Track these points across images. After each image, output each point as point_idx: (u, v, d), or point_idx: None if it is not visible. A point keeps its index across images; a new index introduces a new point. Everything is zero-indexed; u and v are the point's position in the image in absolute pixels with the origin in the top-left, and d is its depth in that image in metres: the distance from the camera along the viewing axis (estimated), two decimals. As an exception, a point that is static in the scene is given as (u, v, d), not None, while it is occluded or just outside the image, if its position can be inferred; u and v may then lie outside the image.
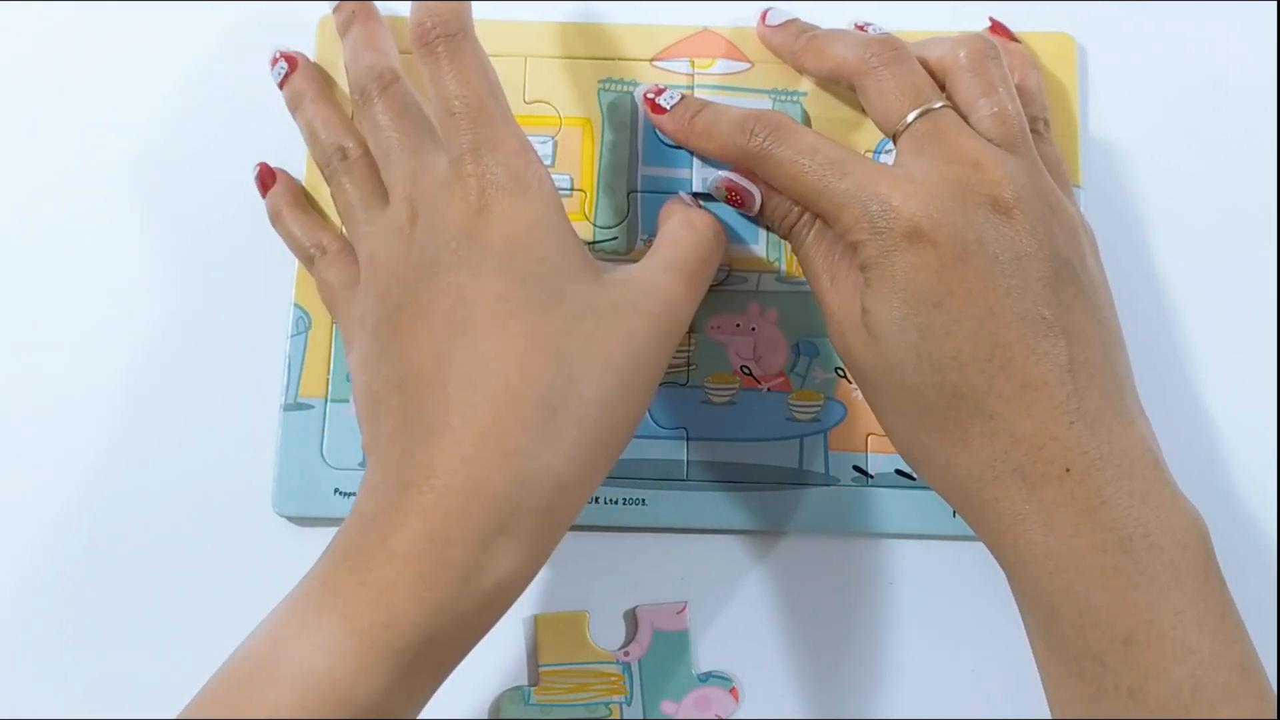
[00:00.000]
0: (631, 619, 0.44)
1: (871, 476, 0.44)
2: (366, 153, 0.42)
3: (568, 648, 0.44)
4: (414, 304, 0.37)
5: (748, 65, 0.47)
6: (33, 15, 0.49)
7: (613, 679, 0.43)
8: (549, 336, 0.35)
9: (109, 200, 0.47)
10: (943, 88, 0.41)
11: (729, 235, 0.43)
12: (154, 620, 0.44)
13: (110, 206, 0.47)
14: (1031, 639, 0.37)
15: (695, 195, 0.44)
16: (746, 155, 0.41)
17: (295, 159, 0.46)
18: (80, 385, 0.46)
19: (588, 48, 0.47)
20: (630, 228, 0.45)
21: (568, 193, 0.46)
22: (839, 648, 0.44)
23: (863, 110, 0.42)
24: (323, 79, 0.46)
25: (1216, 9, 0.48)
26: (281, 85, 0.45)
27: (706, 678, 0.44)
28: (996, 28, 0.46)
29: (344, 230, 0.43)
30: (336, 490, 0.44)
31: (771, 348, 0.45)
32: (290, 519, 0.45)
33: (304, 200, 0.46)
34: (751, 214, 0.43)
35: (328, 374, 0.45)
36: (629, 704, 0.43)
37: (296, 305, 0.45)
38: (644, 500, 0.44)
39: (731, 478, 0.44)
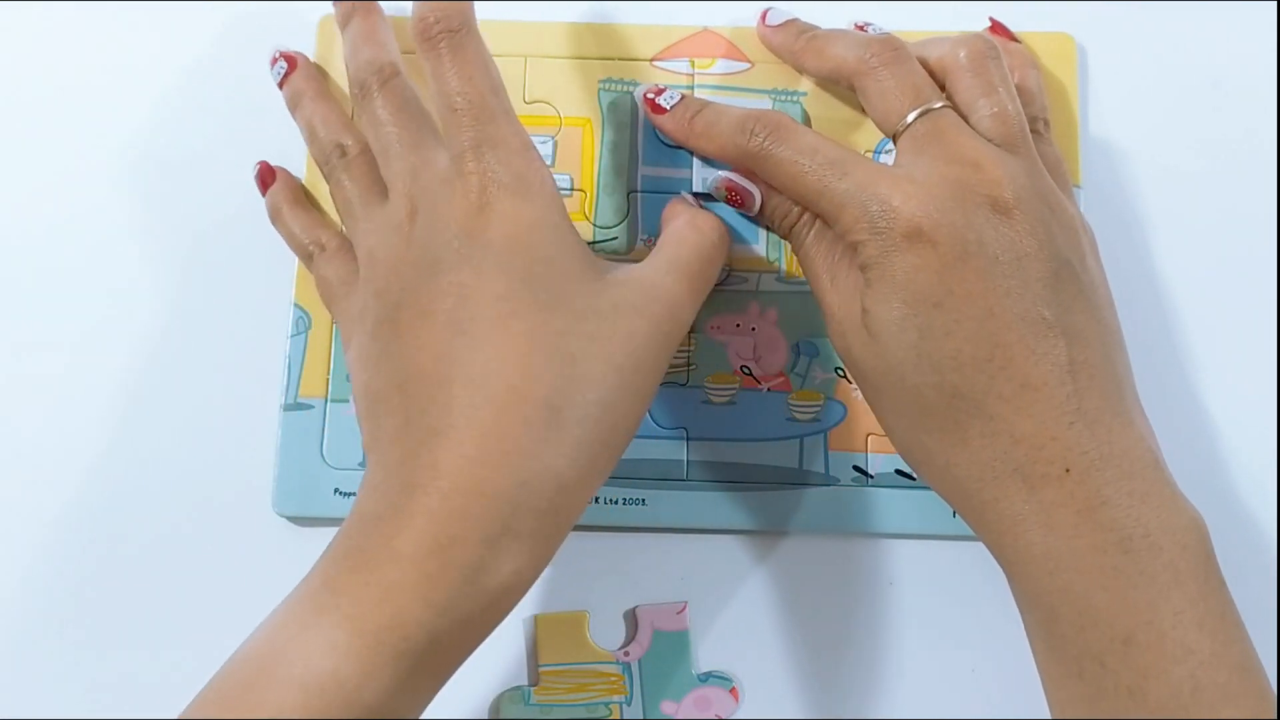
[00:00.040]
0: (631, 619, 0.44)
1: (871, 476, 0.44)
2: (365, 150, 0.42)
3: (568, 648, 0.44)
4: (414, 302, 0.37)
5: (748, 65, 0.47)
6: (33, 15, 0.49)
7: (613, 679, 0.43)
8: (552, 337, 0.35)
9: (109, 200, 0.47)
10: (943, 88, 0.41)
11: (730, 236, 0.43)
12: (154, 620, 0.44)
13: (110, 206, 0.47)
14: (1031, 639, 0.37)
15: (695, 195, 0.44)
16: (746, 155, 0.41)
17: (295, 159, 0.46)
18: (80, 385, 0.46)
19: (588, 48, 0.47)
20: (630, 228, 0.45)
21: (568, 193, 0.45)
22: (839, 648, 0.44)
23: (863, 110, 0.42)
24: (322, 78, 0.46)
25: (1216, 9, 0.48)
26: (281, 85, 0.45)
27: (706, 678, 0.44)
28: (996, 28, 0.46)
29: (343, 228, 0.43)
30: (336, 490, 0.44)
31: (771, 348, 0.45)
32: (290, 519, 0.45)
33: (303, 198, 0.46)
34: (751, 214, 0.43)
35: (328, 374, 0.45)
36: (629, 704, 0.43)
37: (296, 305, 0.45)
38: (644, 500, 0.44)
39: (731, 478, 0.44)
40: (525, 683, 0.44)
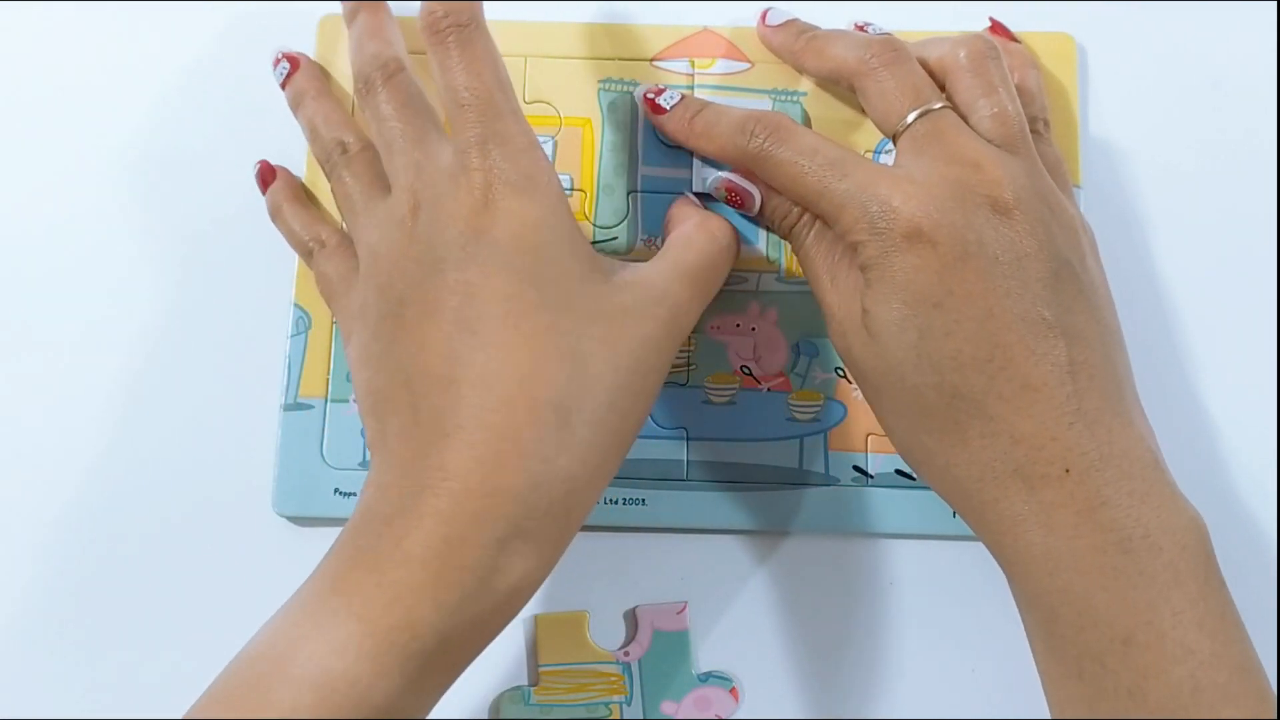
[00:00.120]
0: (631, 619, 0.44)
1: (871, 476, 0.44)
2: (367, 146, 0.42)
3: (568, 648, 0.44)
4: (419, 300, 0.36)
5: (748, 65, 0.47)
6: (33, 15, 0.49)
7: (613, 679, 0.43)
8: (560, 338, 0.35)
9: (109, 200, 0.47)
10: (943, 88, 0.41)
11: (729, 236, 0.43)
12: (154, 620, 0.44)
13: (110, 206, 0.47)
14: (1031, 639, 0.37)
15: (695, 195, 0.44)
16: (746, 156, 0.41)
17: (295, 159, 0.46)
18: (80, 385, 0.46)
19: (588, 48, 0.47)
20: (630, 228, 0.45)
21: (568, 193, 0.45)
22: (839, 648, 0.44)
23: (863, 110, 0.42)
24: (324, 78, 0.46)
25: (1216, 9, 0.48)
26: (284, 85, 0.45)
27: (706, 678, 0.44)
28: (996, 28, 0.46)
29: (344, 225, 0.43)
30: (336, 490, 0.44)
31: (771, 348, 0.45)
32: (290, 519, 0.45)
33: (304, 195, 0.46)
34: (751, 215, 0.43)
35: (328, 374, 0.45)
36: (629, 704, 0.43)
37: (296, 305, 0.45)
38: (644, 500, 0.44)
39: (731, 478, 0.44)
40: (525, 683, 0.44)
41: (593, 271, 0.37)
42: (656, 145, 0.45)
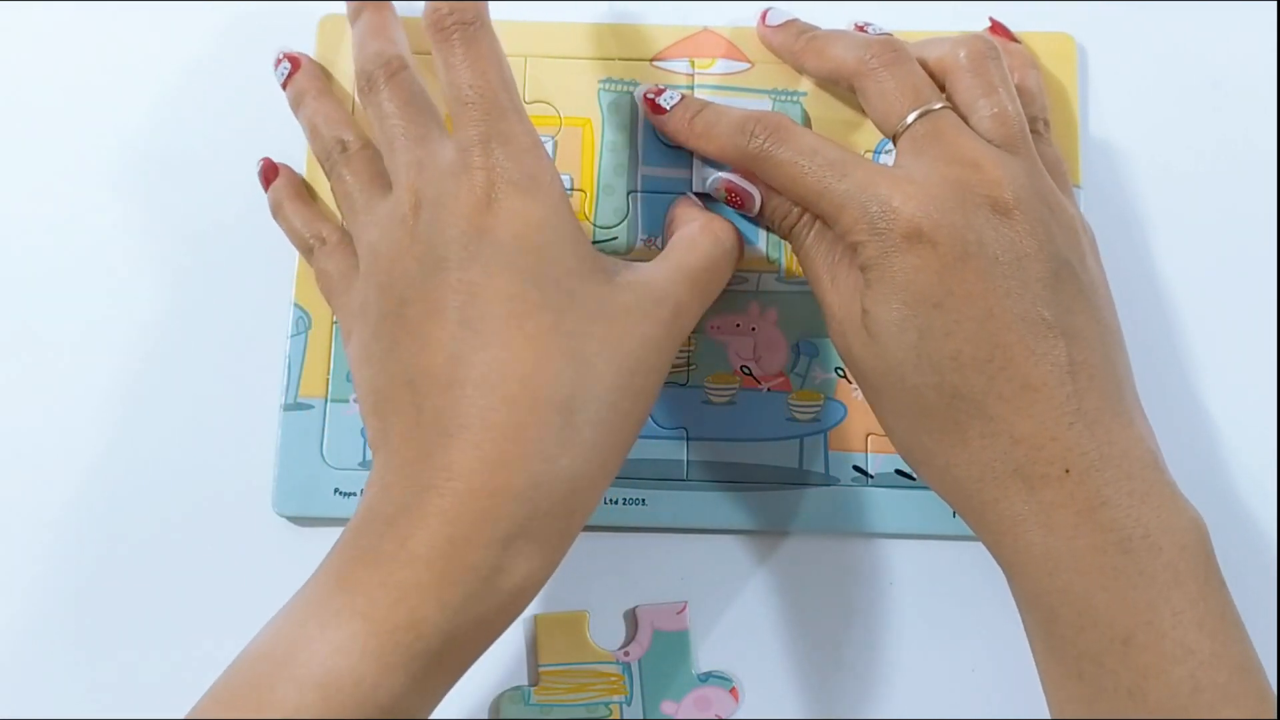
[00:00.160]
0: (631, 619, 0.44)
1: (871, 476, 0.44)
2: (367, 145, 0.42)
3: (568, 648, 0.44)
4: (421, 299, 0.36)
5: (748, 65, 0.47)
6: (33, 15, 0.49)
7: (613, 679, 0.43)
8: (563, 338, 0.35)
9: (109, 199, 0.47)
10: (943, 88, 0.41)
11: (729, 236, 0.43)
12: (154, 620, 0.44)
13: (110, 206, 0.47)
14: (1031, 639, 0.37)
15: (695, 195, 0.44)
16: (746, 156, 0.41)
17: (296, 159, 0.46)
18: (80, 385, 0.46)
19: (588, 48, 0.47)
20: (630, 228, 0.45)
21: (568, 192, 0.45)
22: (839, 648, 0.44)
23: (863, 111, 0.42)
24: (325, 78, 0.46)
25: (1216, 9, 0.48)
26: (285, 85, 0.45)
27: (706, 678, 0.44)
28: (996, 28, 0.46)
29: (344, 223, 0.43)
30: (336, 490, 0.44)
31: (771, 348, 0.45)
32: (290, 519, 0.45)
33: (305, 193, 0.45)
34: (751, 215, 0.43)
35: (328, 374, 0.45)
36: (629, 704, 0.43)
37: (296, 305, 0.45)
38: (644, 500, 0.44)
39: (731, 478, 0.44)
40: (525, 683, 0.44)
41: (595, 271, 0.37)
42: (656, 145, 0.45)
